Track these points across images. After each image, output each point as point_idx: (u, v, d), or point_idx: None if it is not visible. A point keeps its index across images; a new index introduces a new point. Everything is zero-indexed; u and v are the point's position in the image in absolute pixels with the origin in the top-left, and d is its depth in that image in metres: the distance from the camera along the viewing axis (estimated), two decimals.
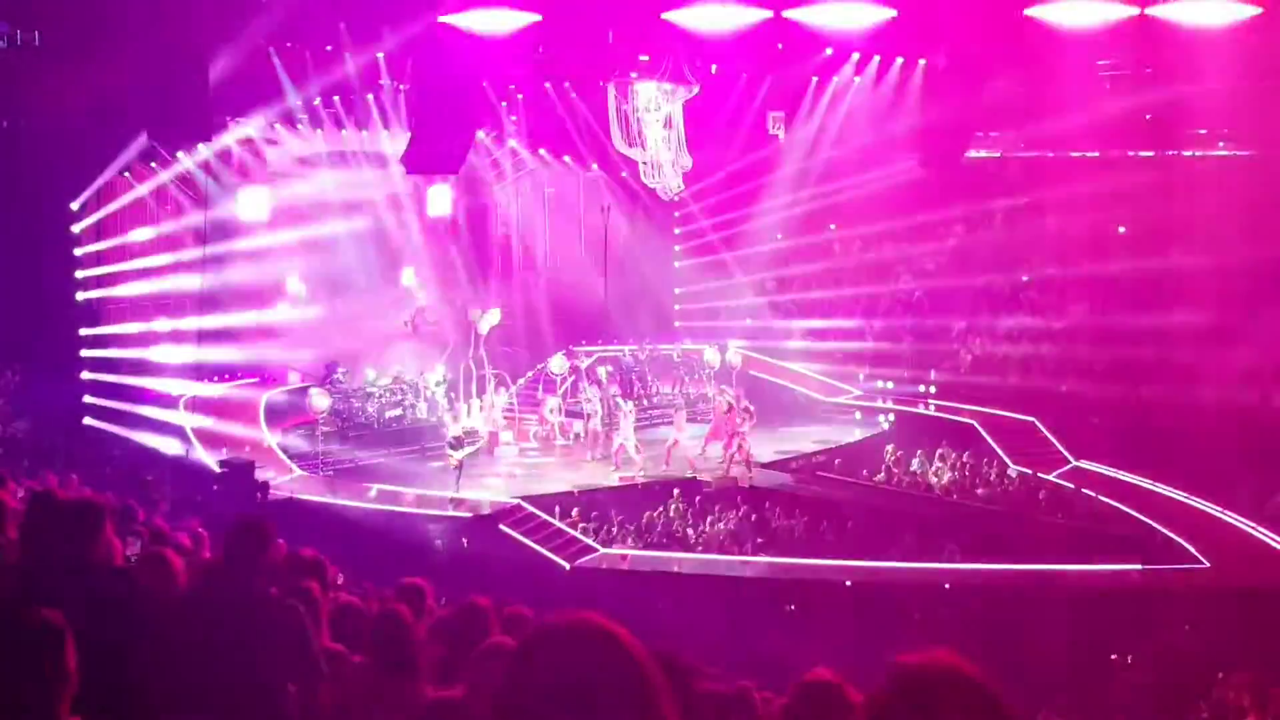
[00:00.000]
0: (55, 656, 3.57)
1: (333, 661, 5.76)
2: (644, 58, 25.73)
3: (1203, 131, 31.15)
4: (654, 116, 26.98)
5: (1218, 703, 13.87)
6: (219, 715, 4.72)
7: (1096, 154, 32.59)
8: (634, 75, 26.48)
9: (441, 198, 31.81)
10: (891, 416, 28.66)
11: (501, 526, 21.13)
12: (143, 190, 27.24)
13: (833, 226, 35.93)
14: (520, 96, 30.17)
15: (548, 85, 29.23)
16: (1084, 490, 23.45)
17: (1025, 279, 32.16)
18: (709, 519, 22.30)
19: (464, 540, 21.16)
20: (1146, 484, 23.40)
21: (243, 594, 5.22)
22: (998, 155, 33.41)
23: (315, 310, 30.67)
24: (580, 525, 21.71)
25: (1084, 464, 24.96)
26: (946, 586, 19.56)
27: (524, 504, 21.90)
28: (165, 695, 4.64)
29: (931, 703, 2.25)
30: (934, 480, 24.95)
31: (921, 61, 29.27)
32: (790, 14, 24.98)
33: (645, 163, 27.63)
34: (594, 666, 2.20)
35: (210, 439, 23.79)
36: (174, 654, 4.85)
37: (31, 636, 3.58)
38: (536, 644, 2.27)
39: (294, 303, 30.48)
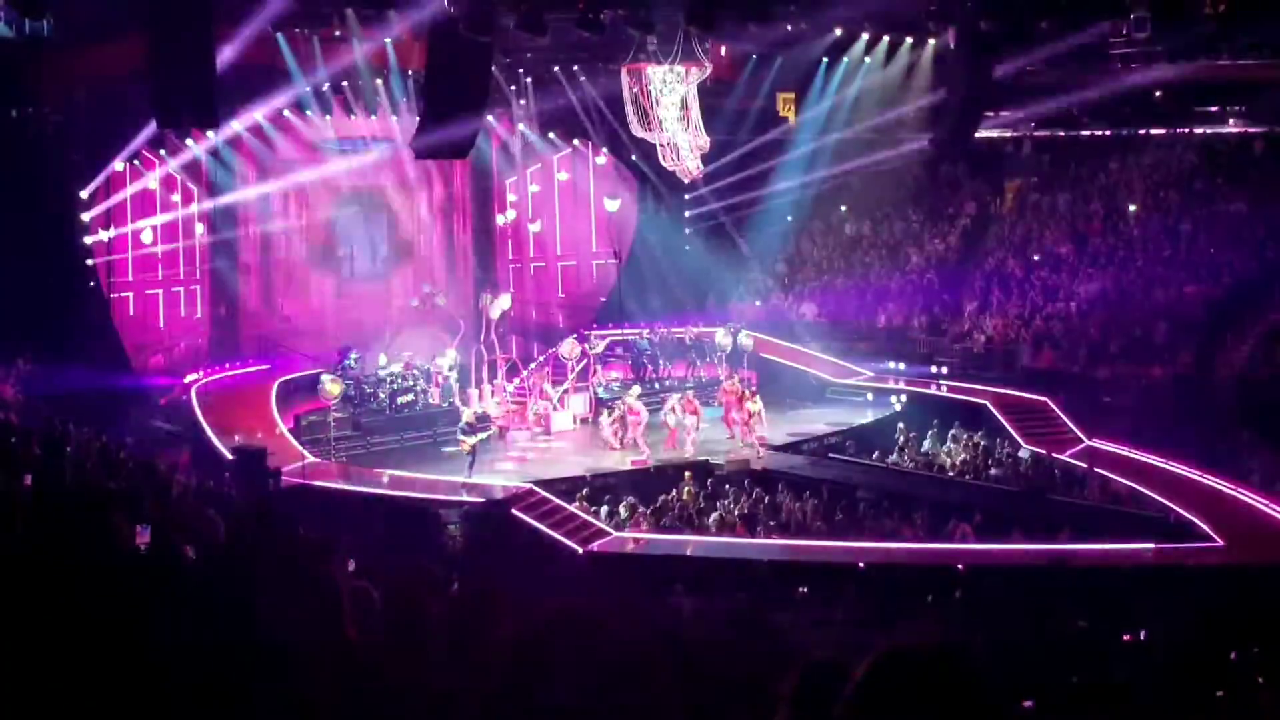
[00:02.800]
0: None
1: (345, 651, 5.74)
2: (655, 41, 25.53)
3: (1214, 109, 31.05)
4: (668, 99, 26.82)
5: (1231, 682, 13.81)
6: (225, 703, 4.72)
7: (1108, 132, 32.49)
8: (645, 58, 26.30)
9: None
10: (903, 397, 28.53)
11: (514, 511, 21.12)
12: (151, 178, 27.28)
13: (843, 208, 35.91)
14: (530, 80, 30.16)
15: (558, 69, 29.23)
16: (1097, 469, 23.38)
17: (1036, 258, 32.03)
18: (721, 501, 22.27)
19: (477, 525, 21.15)
20: (1159, 462, 23.30)
21: (249, 581, 5.21)
22: (1009, 134, 33.29)
23: (326, 295, 30.72)
24: (592, 509, 21.71)
25: (1096, 443, 24.88)
26: (960, 567, 19.52)
27: (536, 488, 21.90)
28: (170, 682, 4.64)
29: (916, 685, 2.25)
30: (946, 461, 24.89)
31: (931, 41, 29.17)
32: None
33: (662, 145, 27.46)
34: (604, 653, 2.22)
35: (222, 426, 23.75)
36: (176, 647, 4.85)
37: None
38: (546, 637, 2.28)
39: (305, 289, 30.52)
